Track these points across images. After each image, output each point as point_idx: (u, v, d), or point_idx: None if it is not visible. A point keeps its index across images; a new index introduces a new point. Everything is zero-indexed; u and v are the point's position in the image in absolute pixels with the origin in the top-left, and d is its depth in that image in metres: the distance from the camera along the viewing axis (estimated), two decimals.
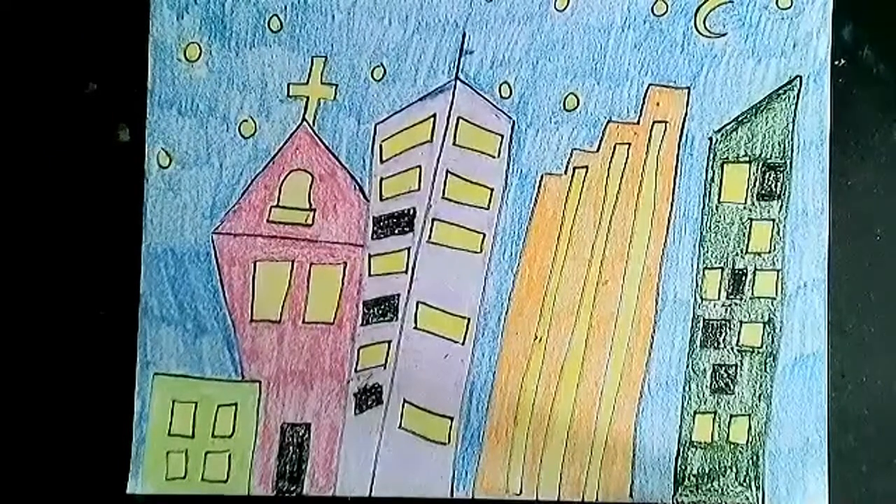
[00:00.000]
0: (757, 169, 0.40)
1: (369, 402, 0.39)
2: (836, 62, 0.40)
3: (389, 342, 0.39)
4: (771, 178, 0.40)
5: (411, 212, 0.39)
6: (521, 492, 0.40)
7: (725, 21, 0.40)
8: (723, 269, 0.40)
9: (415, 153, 0.39)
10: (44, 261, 0.39)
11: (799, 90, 0.40)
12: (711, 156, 0.40)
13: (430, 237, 0.39)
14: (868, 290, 0.40)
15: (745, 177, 0.40)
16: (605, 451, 0.39)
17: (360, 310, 0.39)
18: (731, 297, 0.40)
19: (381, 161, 0.39)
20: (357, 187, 0.39)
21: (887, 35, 0.41)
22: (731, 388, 0.40)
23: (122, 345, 0.39)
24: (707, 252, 0.40)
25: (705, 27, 0.40)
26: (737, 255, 0.40)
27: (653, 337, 0.40)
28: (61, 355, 0.39)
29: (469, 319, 0.39)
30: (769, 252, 0.40)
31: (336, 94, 0.39)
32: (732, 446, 0.40)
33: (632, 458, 0.40)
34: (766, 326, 0.40)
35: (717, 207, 0.40)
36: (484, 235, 0.39)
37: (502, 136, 0.39)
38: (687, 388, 0.40)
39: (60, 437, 0.39)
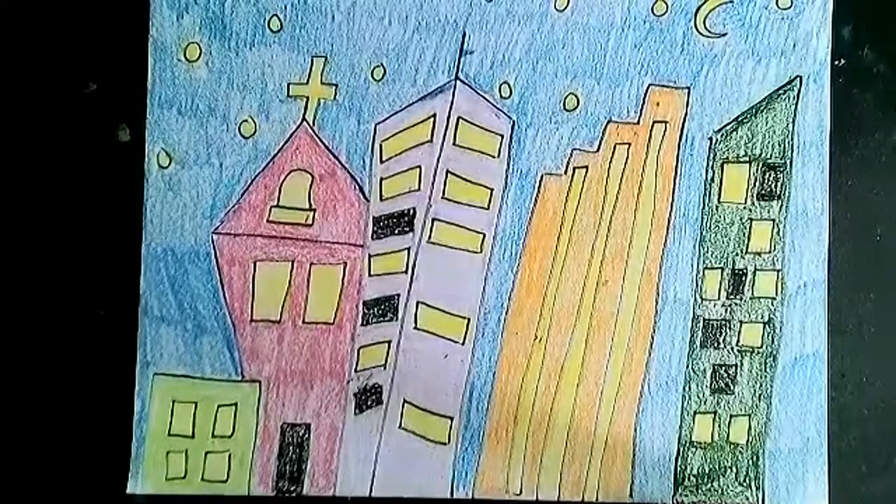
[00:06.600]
0: (757, 169, 0.40)
1: (369, 402, 0.39)
2: (836, 62, 0.40)
3: (389, 342, 0.39)
4: (771, 178, 0.40)
5: (411, 212, 0.39)
6: (521, 492, 0.39)
7: (725, 21, 0.40)
8: (723, 269, 0.40)
9: (415, 153, 0.39)
10: (44, 261, 0.39)
11: (799, 90, 0.40)
12: (711, 156, 0.40)
13: (430, 237, 0.39)
14: (868, 290, 0.40)
15: (745, 177, 0.40)
16: (605, 451, 0.39)
17: (360, 310, 0.39)
18: (731, 297, 0.40)
19: (381, 161, 0.39)
20: (357, 187, 0.39)
21: (887, 35, 0.41)
22: (731, 388, 0.40)
23: (122, 345, 0.39)
24: (707, 252, 0.40)
25: (705, 27, 0.40)
26: (737, 255, 0.40)
27: (653, 337, 0.40)
28: (61, 355, 0.39)
29: (469, 319, 0.39)
30: (769, 252, 0.40)
31: (336, 94, 0.39)
32: (732, 446, 0.40)
33: (632, 458, 0.40)
34: (766, 326, 0.40)
35: (716, 207, 0.40)
36: (484, 235, 0.39)
37: (502, 136, 0.39)
38: (687, 388, 0.40)
39: (60, 438, 0.39)
